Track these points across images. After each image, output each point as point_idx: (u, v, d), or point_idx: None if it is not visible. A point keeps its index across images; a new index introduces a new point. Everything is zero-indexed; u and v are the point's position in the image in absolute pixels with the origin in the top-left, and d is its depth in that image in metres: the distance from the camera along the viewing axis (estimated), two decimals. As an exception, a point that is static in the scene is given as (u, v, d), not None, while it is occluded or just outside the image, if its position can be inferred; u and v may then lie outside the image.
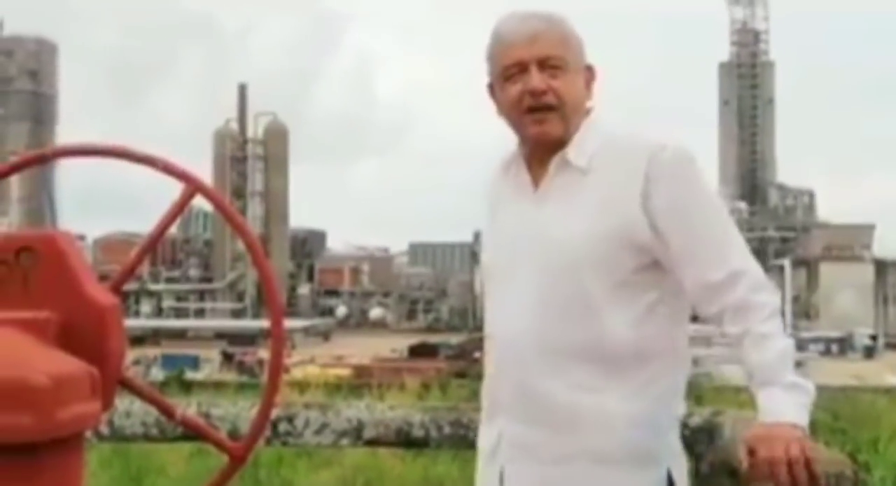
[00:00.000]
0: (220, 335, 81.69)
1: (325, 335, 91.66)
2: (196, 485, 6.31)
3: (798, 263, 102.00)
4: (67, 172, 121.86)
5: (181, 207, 1.69)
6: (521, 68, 2.17)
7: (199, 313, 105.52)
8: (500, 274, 2.24)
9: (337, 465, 7.53)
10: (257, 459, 7.36)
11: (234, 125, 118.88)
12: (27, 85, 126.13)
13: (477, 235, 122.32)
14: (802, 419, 1.97)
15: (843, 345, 75.94)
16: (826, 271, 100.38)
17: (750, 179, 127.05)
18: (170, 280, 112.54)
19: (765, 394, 2.00)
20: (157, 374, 48.29)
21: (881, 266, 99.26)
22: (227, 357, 63.63)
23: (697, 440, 3.09)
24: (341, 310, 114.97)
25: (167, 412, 1.75)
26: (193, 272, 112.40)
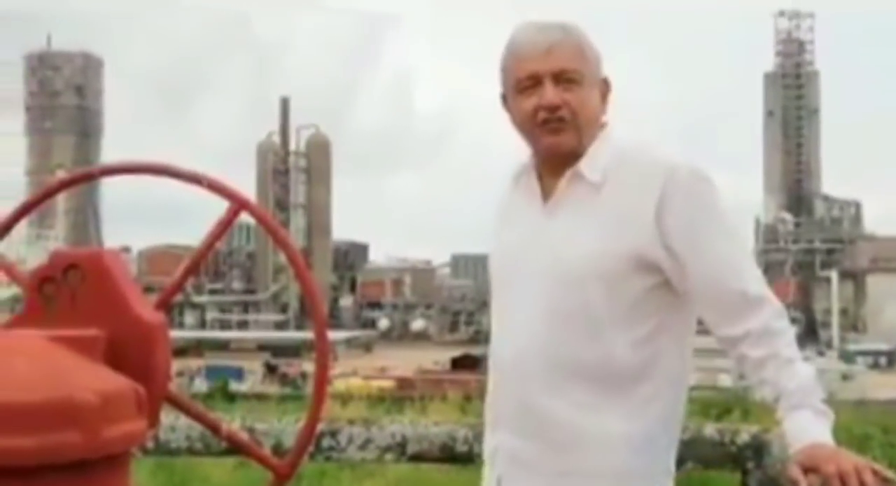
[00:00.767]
0: (263, 347, 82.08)
1: (368, 347, 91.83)
2: (240, 498, 6.33)
3: (845, 275, 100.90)
4: (113, 185, 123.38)
5: (227, 224, 1.70)
6: (536, 81, 2.12)
7: (243, 324, 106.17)
8: (505, 284, 2.22)
9: (380, 477, 7.53)
10: (300, 472, 7.36)
11: (277, 138, 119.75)
12: (73, 100, 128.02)
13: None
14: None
15: (892, 358, 74.84)
16: (873, 283, 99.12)
17: (795, 190, 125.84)
18: (213, 292, 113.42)
19: (798, 417, 2.00)
20: (201, 385, 48.59)
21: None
22: (271, 369, 63.92)
23: (744, 456, 3.06)
24: (383, 322, 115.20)
25: (213, 428, 1.76)
26: (237, 284, 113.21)
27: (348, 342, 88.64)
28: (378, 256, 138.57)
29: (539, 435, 2.10)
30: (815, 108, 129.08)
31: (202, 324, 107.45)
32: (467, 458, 2.75)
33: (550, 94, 2.10)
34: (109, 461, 1.27)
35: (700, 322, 2.20)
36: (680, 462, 2.28)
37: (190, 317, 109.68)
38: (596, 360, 2.07)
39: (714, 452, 3.07)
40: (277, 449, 2.62)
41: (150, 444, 2.86)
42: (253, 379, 58.17)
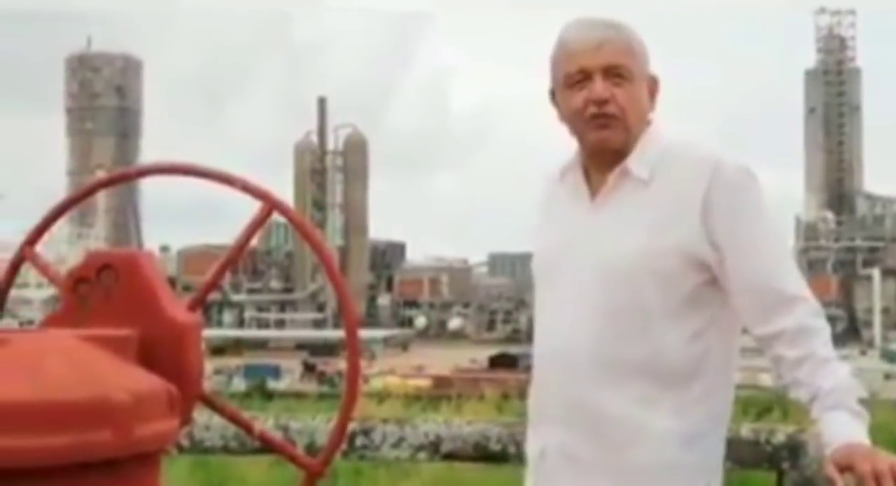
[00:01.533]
0: (301, 346, 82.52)
1: (405, 346, 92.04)
2: (276, 496, 6.37)
3: (887, 273, 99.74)
4: (152, 185, 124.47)
5: (259, 224, 1.71)
6: (585, 76, 2.14)
7: (280, 323, 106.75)
8: (550, 280, 2.22)
9: (415, 476, 7.55)
10: (335, 470, 7.42)
11: (314, 138, 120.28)
12: (113, 101, 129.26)
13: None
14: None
15: (935, 357, 73.80)
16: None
17: (837, 188, 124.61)
18: (251, 291, 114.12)
19: (834, 417, 2.00)
20: (240, 384, 48.93)
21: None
22: (309, 367, 64.25)
23: (780, 456, 3.04)
24: (420, 321, 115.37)
25: (246, 428, 1.78)
26: (275, 283, 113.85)
27: (385, 341, 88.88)
28: (415, 255, 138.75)
29: (591, 431, 2.12)
30: (856, 105, 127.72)
31: (240, 323, 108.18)
32: (501, 457, 2.75)
33: (600, 88, 2.12)
34: (141, 460, 1.28)
35: None
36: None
37: (228, 316, 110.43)
38: (647, 356, 2.09)
39: (750, 452, 3.05)
40: (311, 448, 2.64)
41: (185, 442, 2.89)
42: (291, 378, 58.48)
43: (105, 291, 1.56)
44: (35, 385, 1.21)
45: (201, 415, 2.85)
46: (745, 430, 3.09)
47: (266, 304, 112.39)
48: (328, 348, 75.55)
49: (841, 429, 1.98)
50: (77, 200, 1.83)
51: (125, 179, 1.85)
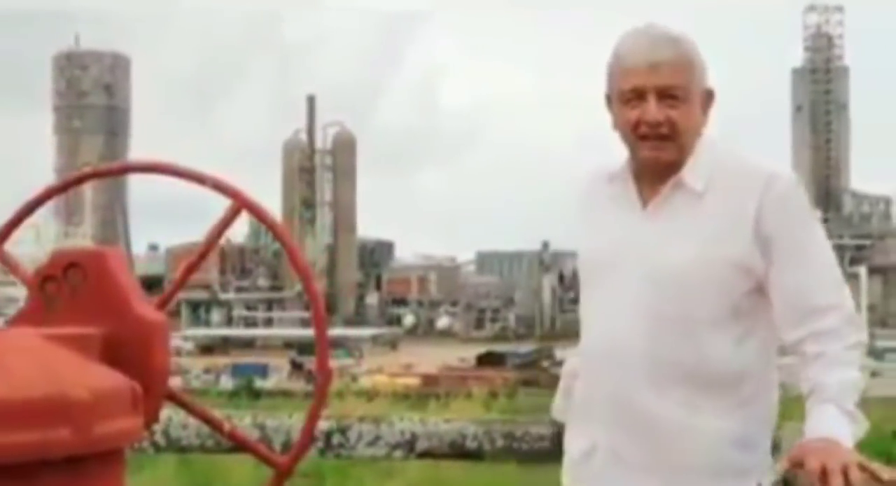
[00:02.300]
0: (289, 344, 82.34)
1: (393, 344, 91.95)
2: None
3: (874, 271, 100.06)
4: (141, 183, 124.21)
5: (228, 222, 1.72)
6: (639, 95, 2.15)
7: (268, 322, 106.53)
8: (599, 284, 2.26)
9: (401, 476, 7.55)
10: (321, 469, 7.41)
11: (303, 136, 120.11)
12: (101, 99, 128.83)
13: (545, 245, 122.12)
14: (852, 446, 1.97)
15: (922, 355, 74.06)
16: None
17: (824, 185, 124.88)
18: (239, 290, 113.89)
19: (821, 410, 2.03)
20: (227, 383, 48.84)
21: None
22: (296, 366, 64.11)
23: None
24: (409, 319, 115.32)
25: (216, 426, 1.78)
26: (262, 282, 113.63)
27: (374, 340, 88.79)
28: (404, 253, 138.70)
29: (639, 432, 2.17)
30: (843, 103, 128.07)
31: (228, 321, 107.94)
32: (476, 455, 2.76)
33: (653, 110, 2.14)
34: (103, 457, 1.28)
35: None
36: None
37: (217, 314, 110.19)
38: (697, 361, 2.14)
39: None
40: (287, 446, 2.64)
41: (162, 441, 2.89)
42: (278, 376, 58.36)
43: (72, 289, 1.56)
44: (-5, 383, 1.21)
45: (178, 414, 2.85)
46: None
47: (254, 302, 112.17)
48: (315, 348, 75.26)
49: (821, 423, 2.00)
50: (40, 203, 1.82)
51: (96, 176, 1.85)
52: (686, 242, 2.14)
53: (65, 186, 1.90)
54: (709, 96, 2.24)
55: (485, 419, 2.83)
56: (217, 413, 1.92)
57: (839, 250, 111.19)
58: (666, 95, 2.14)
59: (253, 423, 2.84)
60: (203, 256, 1.75)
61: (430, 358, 67.18)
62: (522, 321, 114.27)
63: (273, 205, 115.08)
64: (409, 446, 2.74)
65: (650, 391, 2.15)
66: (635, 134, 2.17)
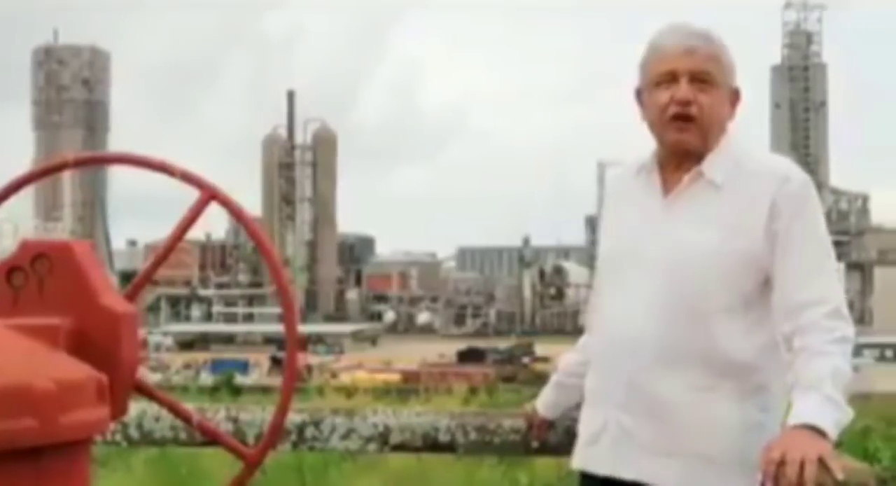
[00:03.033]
0: (269, 340, 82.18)
1: (374, 340, 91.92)
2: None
3: (852, 267, 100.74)
4: (119, 179, 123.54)
5: (196, 213, 1.71)
6: (673, 78, 2.26)
7: (249, 317, 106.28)
8: (620, 270, 2.34)
9: (383, 468, 7.56)
10: (302, 463, 7.41)
11: (283, 132, 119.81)
12: (81, 94, 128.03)
13: (526, 240, 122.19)
14: (832, 432, 2.01)
15: (899, 351, 74.57)
16: (881, 275, 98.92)
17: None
18: (220, 286, 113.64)
19: (803, 398, 2.07)
20: (207, 378, 48.66)
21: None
22: (276, 362, 63.99)
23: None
24: (389, 315, 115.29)
25: (185, 417, 1.78)
26: (243, 277, 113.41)
27: (354, 335, 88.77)
28: (384, 249, 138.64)
29: (649, 413, 2.24)
30: (822, 100, 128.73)
31: (208, 317, 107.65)
32: (449, 448, 2.77)
33: (685, 89, 2.25)
34: (68, 448, 1.28)
35: None
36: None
37: (197, 310, 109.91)
38: (707, 347, 2.20)
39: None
40: (260, 439, 2.63)
41: (135, 434, 2.88)
42: (259, 372, 58.23)
43: (39, 280, 1.55)
44: (-42, 374, 1.20)
45: (151, 407, 2.84)
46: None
47: (234, 298, 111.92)
48: (296, 343, 75.07)
49: (802, 411, 2.04)
50: (21, 186, 1.80)
51: (61, 169, 1.83)
52: (702, 232, 2.23)
53: (21, 184, 1.88)
54: (735, 95, 2.35)
55: (458, 413, 2.84)
56: (187, 405, 1.91)
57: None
58: (697, 79, 2.26)
59: (227, 416, 2.83)
60: (171, 248, 1.74)
61: (411, 354, 67.19)
62: (503, 317, 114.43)
63: (253, 201, 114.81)
64: (382, 439, 2.74)
65: (663, 376, 2.22)
66: (665, 115, 2.27)
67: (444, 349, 71.85)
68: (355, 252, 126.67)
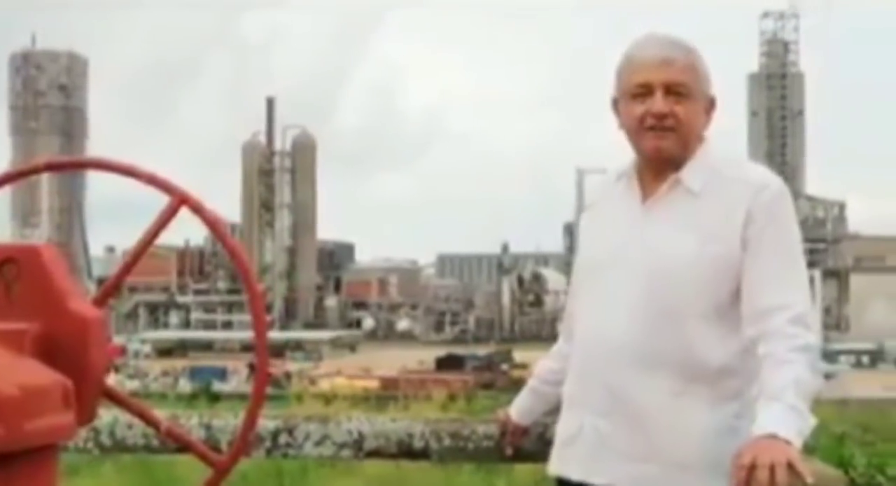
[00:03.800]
0: (247, 347, 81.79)
1: (353, 347, 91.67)
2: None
3: (829, 274, 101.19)
4: (98, 185, 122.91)
5: (166, 219, 1.70)
6: (648, 89, 2.28)
7: (227, 325, 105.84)
8: (596, 274, 2.36)
9: (360, 474, 7.54)
10: (280, 469, 7.38)
11: (262, 138, 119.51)
12: (58, 99, 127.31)
13: (505, 247, 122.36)
14: (795, 441, 2.02)
15: (874, 357, 75.08)
16: (857, 282, 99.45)
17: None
18: (198, 292, 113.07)
19: (766, 409, 2.08)
20: (185, 385, 48.43)
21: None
22: (255, 369, 63.73)
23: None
24: (368, 322, 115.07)
25: (152, 424, 1.76)
26: (221, 284, 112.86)
27: (333, 342, 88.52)
28: (364, 256, 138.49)
29: (627, 419, 2.25)
30: (799, 109, 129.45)
31: (187, 324, 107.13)
32: (423, 454, 2.76)
33: (660, 103, 2.27)
34: (34, 454, 1.27)
35: None
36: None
37: (175, 317, 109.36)
38: (682, 352, 2.23)
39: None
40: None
41: (107, 441, 2.86)
42: (237, 379, 57.98)
43: (6, 285, 1.53)
44: (-79, 379, 1.19)
45: (124, 414, 2.82)
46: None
47: (213, 305, 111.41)
48: (275, 350, 74.99)
49: (766, 421, 2.05)
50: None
51: (32, 173, 1.82)
52: (680, 239, 2.24)
53: (12, 178, 1.86)
54: (711, 104, 2.37)
55: (432, 419, 2.84)
56: (159, 413, 1.90)
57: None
58: (672, 91, 2.27)
59: (200, 423, 2.82)
60: (140, 254, 1.73)
61: (390, 361, 67.06)
62: (482, 324, 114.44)
63: (232, 207, 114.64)
64: (357, 445, 2.73)
65: (640, 381, 2.23)
66: (641, 125, 2.28)
67: (424, 356, 71.75)
68: (335, 259, 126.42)
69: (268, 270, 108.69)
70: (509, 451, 2.77)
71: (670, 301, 2.23)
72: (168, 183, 1.68)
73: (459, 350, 75.02)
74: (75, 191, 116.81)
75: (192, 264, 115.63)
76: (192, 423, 2.83)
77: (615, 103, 2.38)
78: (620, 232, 2.33)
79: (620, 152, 2.40)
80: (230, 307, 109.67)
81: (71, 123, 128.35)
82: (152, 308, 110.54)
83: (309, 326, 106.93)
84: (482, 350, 76.59)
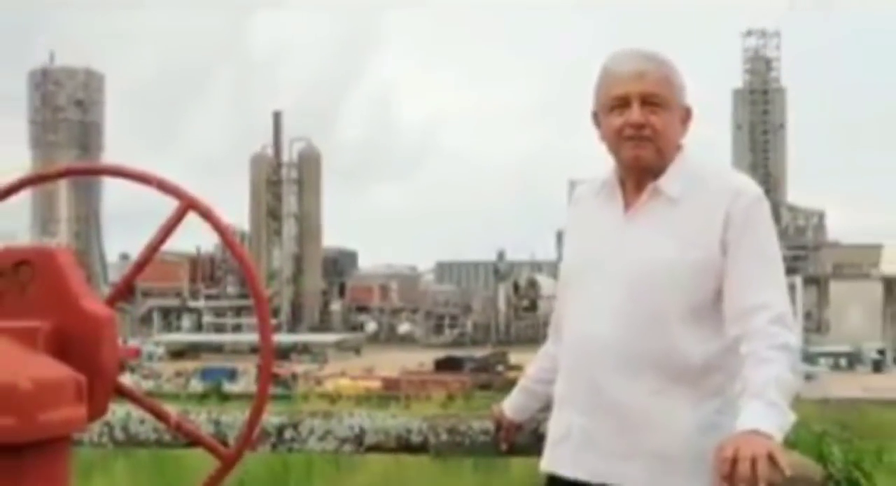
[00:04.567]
0: (256, 349, 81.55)
1: (356, 350, 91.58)
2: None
3: (809, 280, 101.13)
4: (114, 193, 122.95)
5: (175, 223, 1.70)
6: (625, 102, 2.28)
7: (237, 328, 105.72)
8: (581, 280, 2.35)
9: (365, 470, 7.52)
10: (287, 464, 7.36)
11: (270, 151, 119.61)
12: (75, 114, 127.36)
13: (501, 255, 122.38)
14: (776, 436, 2.02)
15: (852, 359, 75.06)
16: (836, 288, 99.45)
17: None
18: (209, 297, 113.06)
19: (747, 405, 2.08)
20: (197, 386, 48.39)
21: (889, 284, 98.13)
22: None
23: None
24: (371, 325, 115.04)
25: (163, 418, 1.76)
26: (231, 289, 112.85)
27: (338, 345, 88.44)
28: (366, 263, 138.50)
29: (610, 416, 2.24)
30: (780, 123, 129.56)
31: (198, 328, 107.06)
32: (421, 449, 2.76)
33: (637, 114, 2.26)
34: (46, 446, 1.27)
35: None
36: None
37: (187, 321, 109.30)
38: (668, 353, 2.22)
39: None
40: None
41: (120, 435, 2.85)
42: (246, 380, 57.90)
43: (21, 285, 1.53)
44: (-61, 373, 1.19)
45: (137, 409, 2.81)
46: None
47: (223, 309, 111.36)
48: (282, 352, 74.94)
49: (747, 418, 2.04)
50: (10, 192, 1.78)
51: (52, 178, 1.82)
52: (660, 246, 2.24)
53: (26, 184, 1.86)
54: (687, 114, 2.35)
55: (430, 415, 2.83)
56: (167, 407, 1.89)
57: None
58: (649, 102, 2.26)
59: (208, 419, 2.81)
60: (150, 255, 1.72)
61: (392, 363, 67.01)
62: (479, 328, 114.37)
63: (241, 216, 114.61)
64: (357, 440, 2.73)
65: (625, 381, 2.22)
66: (620, 136, 2.28)
67: (424, 358, 71.67)
68: (339, 266, 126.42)
69: (275, 276, 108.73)
70: (504, 446, 2.77)
71: (652, 305, 2.22)
72: (178, 188, 1.68)
73: (458, 353, 74.95)
74: (92, 200, 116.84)
75: (204, 270, 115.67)
76: (201, 419, 2.82)
77: (595, 116, 2.38)
78: (604, 240, 2.32)
79: (609, 163, 2.40)
80: (239, 311, 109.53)
81: (88, 136, 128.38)
82: (165, 312, 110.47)
83: (314, 329, 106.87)
84: (479, 353, 76.53)
